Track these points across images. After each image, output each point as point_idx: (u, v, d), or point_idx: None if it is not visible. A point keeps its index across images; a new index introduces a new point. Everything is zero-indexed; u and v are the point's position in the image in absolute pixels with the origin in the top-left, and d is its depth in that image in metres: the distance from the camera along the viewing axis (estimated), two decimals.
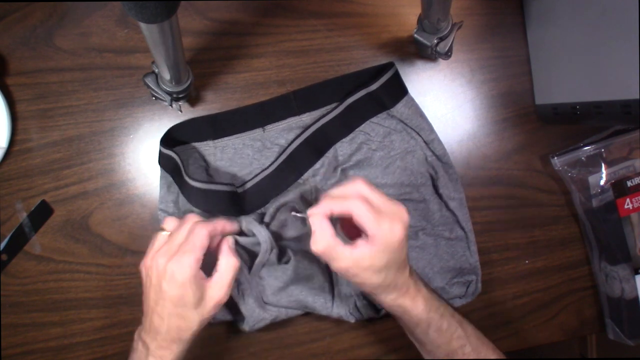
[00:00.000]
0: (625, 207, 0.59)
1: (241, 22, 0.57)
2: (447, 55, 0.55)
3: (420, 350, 0.51)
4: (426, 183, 0.57)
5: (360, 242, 0.44)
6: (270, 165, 0.54)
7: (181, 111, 0.54)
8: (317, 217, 0.44)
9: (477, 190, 0.62)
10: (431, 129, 0.56)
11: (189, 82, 0.50)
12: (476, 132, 0.62)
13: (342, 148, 0.56)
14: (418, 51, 0.59)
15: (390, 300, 0.46)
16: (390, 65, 0.56)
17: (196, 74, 0.53)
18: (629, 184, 0.59)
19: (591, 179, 0.61)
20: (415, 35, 0.55)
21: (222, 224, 0.48)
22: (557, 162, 0.61)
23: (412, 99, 0.56)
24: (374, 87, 0.54)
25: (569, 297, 0.64)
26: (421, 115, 0.56)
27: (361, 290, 0.47)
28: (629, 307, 0.60)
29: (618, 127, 0.61)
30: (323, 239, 0.44)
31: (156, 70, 0.49)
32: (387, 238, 0.43)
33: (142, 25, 0.37)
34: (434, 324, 0.47)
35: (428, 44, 0.54)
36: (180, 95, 0.51)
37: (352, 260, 0.44)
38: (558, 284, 0.64)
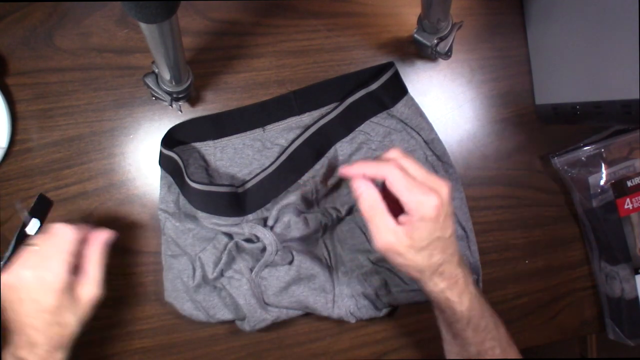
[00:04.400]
0: (625, 207, 0.59)
1: (241, 22, 0.57)
2: (447, 55, 0.55)
3: (448, 343, 0.49)
4: None
5: (401, 216, 0.42)
6: (270, 165, 0.54)
7: (181, 111, 0.54)
8: (361, 181, 0.43)
9: (477, 190, 0.62)
10: (431, 129, 0.56)
11: (189, 82, 0.50)
12: (476, 132, 0.62)
13: (342, 148, 0.56)
14: (418, 51, 0.59)
15: (438, 290, 0.44)
16: (390, 65, 0.56)
17: (196, 74, 0.53)
18: (629, 184, 0.59)
19: (591, 179, 0.61)
20: (415, 35, 0.55)
21: (92, 231, 0.48)
22: (557, 162, 0.61)
23: (412, 99, 0.56)
24: (373, 86, 0.54)
25: (569, 297, 0.64)
26: (421, 114, 0.56)
27: (407, 274, 0.45)
28: (629, 307, 0.60)
29: (618, 127, 0.61)
30: (370, 199, 0.42)
31: (156, 70, 0.49)
32: (421, 209, 0.41)
33: (142, 25, 0.37)
34: (474, 322, 0.46)
35: (428, 44, 0.54)
36: (180, 95, 0.51)
37: (395, 233, 0.42)
38: (558, 284, 0.64)
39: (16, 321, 0.43)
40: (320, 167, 0.55)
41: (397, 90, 0.56)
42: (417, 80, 0.60)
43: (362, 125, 0.56)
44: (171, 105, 0.52)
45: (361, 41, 0.59)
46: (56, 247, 0.44)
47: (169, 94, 0.50)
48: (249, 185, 0.54)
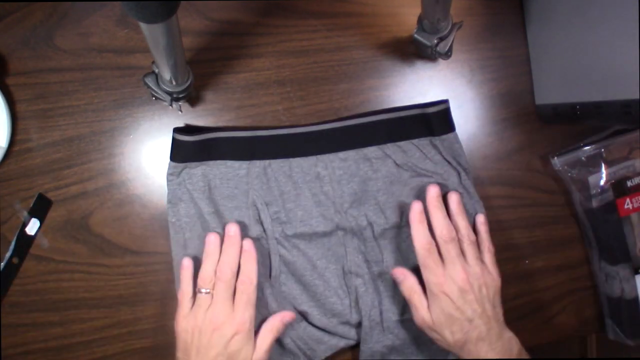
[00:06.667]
0: (625, 207, 0.59)
1: (241, 22, 0.57)
2: (447, 55, 0.55)
3: None
4: None
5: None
6: (293, 127, 0.55)
7: (181, 111, 0.54)
8: (399, 270, 0.53)
9: (477, 190, 0.62)
10: (466, 169, 0.57)
11: (189, 82, 0.50)
12: (476, 132, 0.62)
13: (372, 152, 0.55)
14: (418, 51, 0.59)
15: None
16: (443, 101, 0.56)
17: (196, 74, 0.53)
18: (629, 183, 0.59)
19: (591, 179, 0.61)
20: (415, 35, 0.55)
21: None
22: (557, 162, 0.61)
23: (457, 137, 0.56)
24: (430, 110, 0.55)
25: (569, 297, 0.64)
26: (461, 155, 0.57)
27: (442, 348, 0.52)
28: (629, 307, 0.60)
29: (618, 127, 0.61)
30: (408, 283, 0.51)
31: (156, 70, 0.49)
32: (429, 285, 0.49)
33: (142, 25, 0.37)
34: None
35: (428, 44, 0.54)
36: (180, 95, 0.51)
37: (427, 311, 0.50)
38: (558, 284, 0.64)
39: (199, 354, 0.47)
40: (344, 158, 0.55)
41: (446, 124, 0.56)
42: (417, 80, 0.60)
43: (403, 142, 0.55)
44: (171, 105, 0.52)
45: (361, 41, 0.59)
46: (246, 296, 0.49)
47: (169, 94, 0.50)
48: (270, 133, 0.54)
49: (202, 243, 0.52)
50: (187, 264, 0.51)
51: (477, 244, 0.53)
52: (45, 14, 0.54)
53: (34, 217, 0.55)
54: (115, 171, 0.56)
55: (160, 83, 0.50)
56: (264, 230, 0.54)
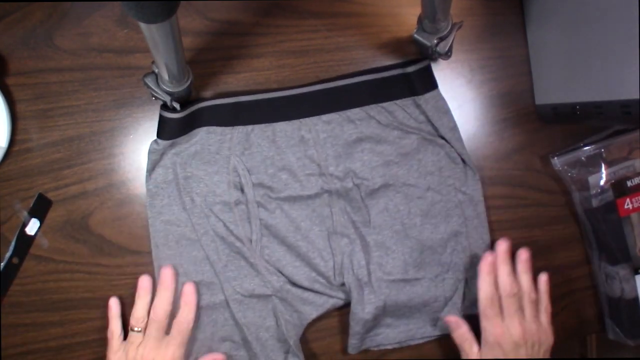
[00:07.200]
0: (625, 207, 0.59)
1: (241, 22, 0.57)
2: (447, 55, 0.55)
3: None
4: (435, 173, 0.58)
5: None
6: (279, 90, 0.56)
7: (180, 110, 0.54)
8: (452, 319, 0.55)
9: None
10: (454, 128, 0.58)
11: (189, 82, 0.50)
12: (476, 132, 0.62)
13: (356, 114, 0.56)
14: (418, 51, 0.59)
15: None
16: (422, 58, 0.58)
17: (196, 74, 0.53)
18: (629, 184, 0.59)
19: (591, 179, 0.61)
20: (415, 35, 0.55)
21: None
22: (557, 162, 0.61)
23: (441, 95, 0.57)
24: (410, 69, 0.56)
25: (569, 297, 0.64)
26: (446, 112, 0.58)
27: None
28: (629, 307, 0.60)
29: (618, 127, 0.61)
30: (461, 331, 0.54)
31: (156, 70, 0.49)
32: (485, 334, 0.51)
33: (142, 25, 0.37)
34: None
35: (428, 44, 0.54)
36: (180, 95, 0.51)
37: (475, 357, 0.53)
38: (558, 284, 0.64)
39: None
40: (328, 120, 0.55)
41: (428, 82, 0.57)
42: None
43: (386, 103, 0.56)
44: (171, 105, 0.52)
45: (361, 41, 0.59)
46: (179, 338, 0.52)
47: (169, 94, 0.50)
48: (252, 98, 0.55)
49: (177, 209, 0.55)
50: (113, 303, 0.54)
51: (536, 302, 0.56)
52: (45, 14, 0.54)
53: (34, 217, 0.55)
54: (115, 171, 0.56)
55: (160, 83, 0.50)
56: (245, 195, 0.55)
